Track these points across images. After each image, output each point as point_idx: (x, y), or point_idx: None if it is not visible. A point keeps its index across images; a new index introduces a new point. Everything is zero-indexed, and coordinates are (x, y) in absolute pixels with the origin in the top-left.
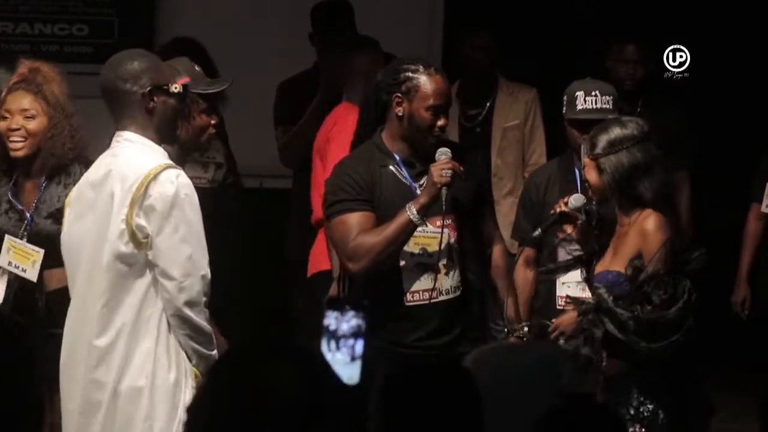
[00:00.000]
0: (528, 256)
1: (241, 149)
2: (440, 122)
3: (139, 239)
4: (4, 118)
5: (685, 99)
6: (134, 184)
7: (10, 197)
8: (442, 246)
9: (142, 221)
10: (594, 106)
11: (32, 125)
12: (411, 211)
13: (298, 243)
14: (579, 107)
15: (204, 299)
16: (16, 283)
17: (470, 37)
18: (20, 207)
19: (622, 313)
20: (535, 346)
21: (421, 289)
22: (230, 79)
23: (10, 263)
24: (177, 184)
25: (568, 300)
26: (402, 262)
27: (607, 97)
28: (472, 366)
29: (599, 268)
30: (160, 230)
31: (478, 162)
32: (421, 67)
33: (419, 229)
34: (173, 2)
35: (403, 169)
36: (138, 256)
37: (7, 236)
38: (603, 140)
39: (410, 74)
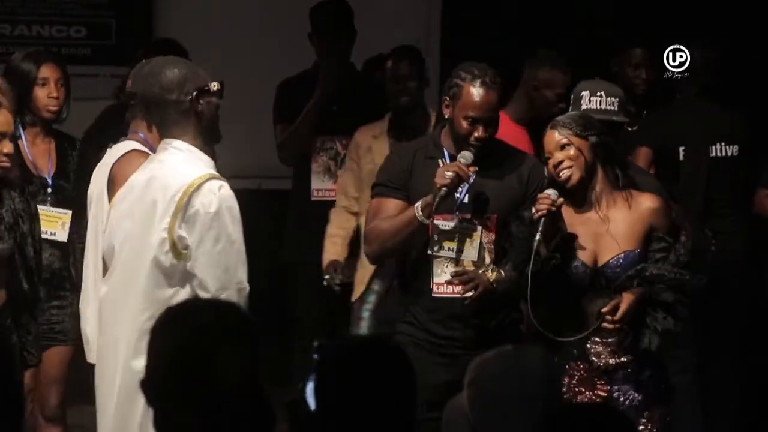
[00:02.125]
0: None
1: (240, 150)
2: (477, 133)
3: (179, 249)
4: None
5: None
6: (177, 193)
7: None
8: (473, 244)
9: (183, 232)
10: (598, 107)
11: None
12: (417, 209)
13: (295, 243)
14: (584, 106)
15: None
16: None
17: (392, 69)
18: None
19: (684, 277)
20: (538, 352)
21: (441, 282)
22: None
23: None
24: (219, 196)
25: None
26: (430, 254)
27: (613, 99)
28: (475, 370)
29: (606, 255)
30: (201, 242)
31: (537, 171)
32: (470, 76)
33: (452, 225)
34: (170, 3)
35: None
36: (177, 266)
37: None
38: (581, 118)
39: (459, 81)
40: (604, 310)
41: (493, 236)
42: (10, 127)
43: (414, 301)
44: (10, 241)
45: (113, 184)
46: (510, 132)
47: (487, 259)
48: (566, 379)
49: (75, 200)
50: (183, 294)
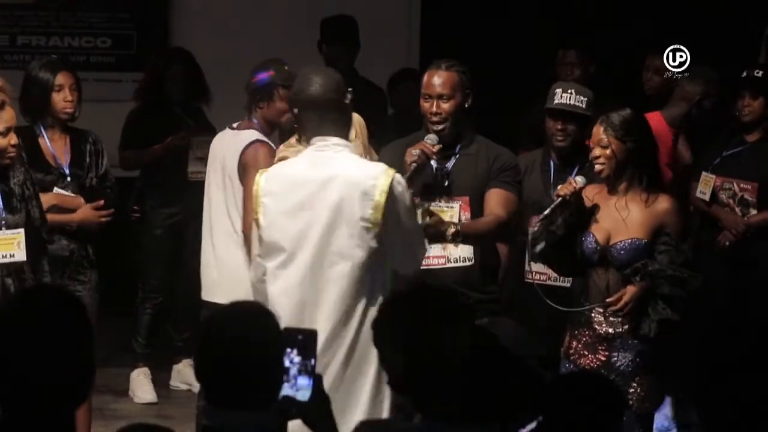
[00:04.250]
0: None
1: None
2: (432, 108)
3: (381, 235)
4: (3, 134)
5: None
6: (373, 190)
7: None
8: (451, 220)
9: (383, 221)
10: (568, 101)
11: None
12: None
13: None
14: (556, 100)
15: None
16: None
17: None
18: None
19: (682, 274)
20: (510, 322)
21: (432, 255)
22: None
23: None
24: (403, 186)
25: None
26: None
27: (582, 97)
28: None
29: (614, 237)
30: (397, 225)
31: (505, 155)
32: (430, 66)
33: (433, 203)
34: (184, 18)
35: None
36: (377, 251)
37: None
38: (626, 122)
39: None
40: (609, 300)
41: (468, 214)
42: (14, 120)
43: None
44: (22, 211)
45: (246, 169)
46: (662, 131)
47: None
48: (574, 343)
49: (94, 185)
50: (381, 274)
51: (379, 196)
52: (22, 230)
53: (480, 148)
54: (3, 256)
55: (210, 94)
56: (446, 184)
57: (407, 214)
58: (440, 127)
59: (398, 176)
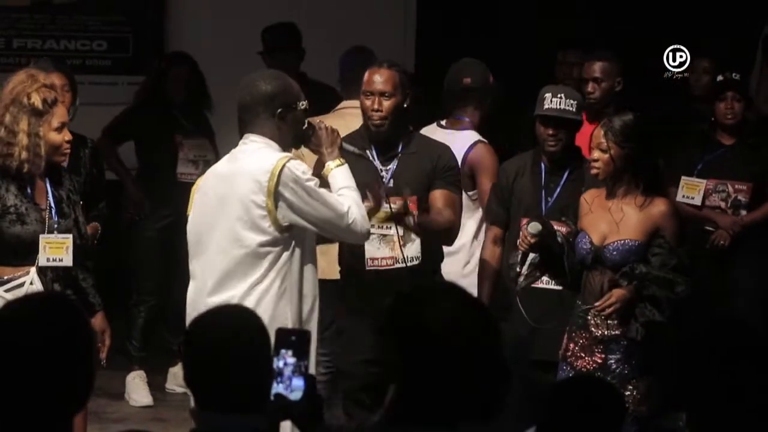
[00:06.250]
0: (496, 234)
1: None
2: (373, 105)
3: (280, 222)
4: (59, 130)
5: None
6: (265, 176)
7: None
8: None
9: (278, 206)
10: (558, 106)
11: None
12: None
13: None
14: (546, 106)
15: (360, 225)
16: None
17: None
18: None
19: (669, 276)
20: (511, 327)
21: (380, 257)
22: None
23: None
24: (302, 170)
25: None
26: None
27: (571, 101)
28: None
29: (608, 239)
30: (303, 206)
31: (447, 154)
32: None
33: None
34: (180, 21)
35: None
36: (276, 235)
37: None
38: (627, 128)
39: None
40: (597, 304)
41: (415, 213)
42: (67, 117)
43: (351, 275)
44: (71, 216)
45: (480, 169)
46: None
47: (412, 234)
48: (571, 345)
49: (88, 191)
50: (277, 253)
51: (269, 182)
52: (71, 236)
53: (420, 147)
54: (53, 260)
55: (211, 100)
56: (391, 184)
57: (306, 197)
58: (379, 123)
59: (294, 163)
